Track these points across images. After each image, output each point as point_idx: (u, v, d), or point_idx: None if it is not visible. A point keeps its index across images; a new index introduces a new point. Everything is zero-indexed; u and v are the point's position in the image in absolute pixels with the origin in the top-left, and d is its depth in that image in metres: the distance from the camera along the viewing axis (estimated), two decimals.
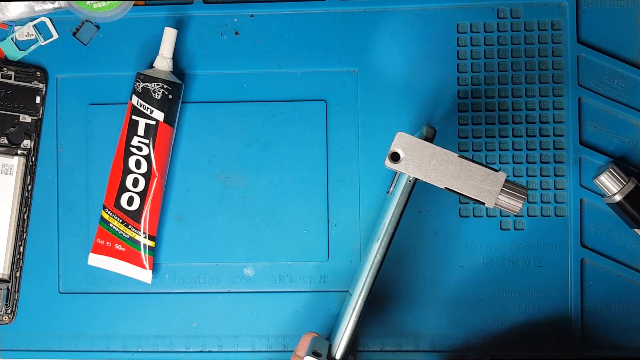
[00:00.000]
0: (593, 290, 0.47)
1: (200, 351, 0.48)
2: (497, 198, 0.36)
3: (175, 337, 0.48)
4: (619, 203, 0.45)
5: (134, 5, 0.48)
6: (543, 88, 0.47)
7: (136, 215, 0.46)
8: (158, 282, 0.48)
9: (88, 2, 0.47)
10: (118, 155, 0.46)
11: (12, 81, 0.48)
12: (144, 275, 0.47)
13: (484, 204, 0.36)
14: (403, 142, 0.36)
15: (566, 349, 0.47)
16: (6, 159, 0.48)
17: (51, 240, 0.49)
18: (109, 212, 0.47)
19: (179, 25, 0.48)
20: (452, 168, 0.35)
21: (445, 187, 0.36)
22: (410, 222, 0.47)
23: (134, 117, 0.46)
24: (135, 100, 0.46)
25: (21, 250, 0.48)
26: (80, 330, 0.49)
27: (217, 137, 0.48)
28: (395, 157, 0.36)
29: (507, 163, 0.47)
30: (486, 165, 0.36)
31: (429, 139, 0.37)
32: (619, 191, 0.45)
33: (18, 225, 0.48)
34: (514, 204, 0.36)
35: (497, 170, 0.36)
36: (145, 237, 0.47)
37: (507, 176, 0.36)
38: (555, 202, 0.47)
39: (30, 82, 0.48)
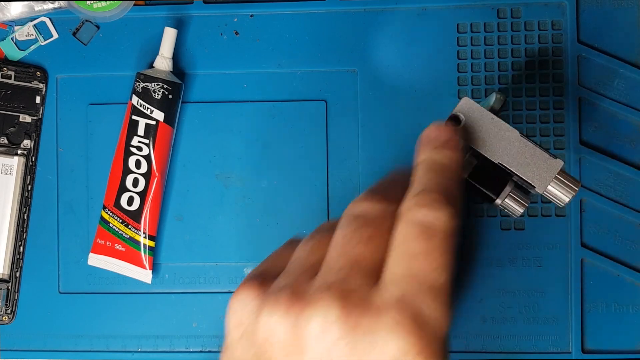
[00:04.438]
0: (593, 290, 0.47)
1: (200, 351, 0.48)
2: (549, 185, 0.35)
3: (175, 337, 0.48)
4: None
5: (134, 5, 0.48)
6: (543, 88, 0.47)
7: (136, 215, 0.46)
8: (158, 282, 0.48)
9: (88, 2, 0.47)
10: (118, 155, 0.46)
11: (12, 81, 0.48)
12: (144, 275, 0.47)
13: (534, 187, 0.34)
14: (467, 108, 0.35)
15: (566, 349, 0.47)
16: (6, 159, 0.48)
17: (51, 240, 0.49)
18: (108, 212, 0.47)
19: (179, 25, 0.48)
20: (510, 145, 0.34)
21: (499, 162, 0.35)
22: None
23: (134, 117, 0.46)
24: (135, 100, 0.46)
25: (21, 250, 0.48)
26: (80, 330, 0.48)
27: (217, 137, 0.48)
28: (456, 121, 0.34)
29: None
30: (546, 149, 0.35)
31: (496, 110, 0.36)
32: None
33: (18, 225, 0.48)
34: (562, 195, 0.35)
35: (555, 157, 0.35)
36: (145, 237, 0.47)
37: (564, 165, 0.35)
38: None
39: (30, 82, 0.48)
